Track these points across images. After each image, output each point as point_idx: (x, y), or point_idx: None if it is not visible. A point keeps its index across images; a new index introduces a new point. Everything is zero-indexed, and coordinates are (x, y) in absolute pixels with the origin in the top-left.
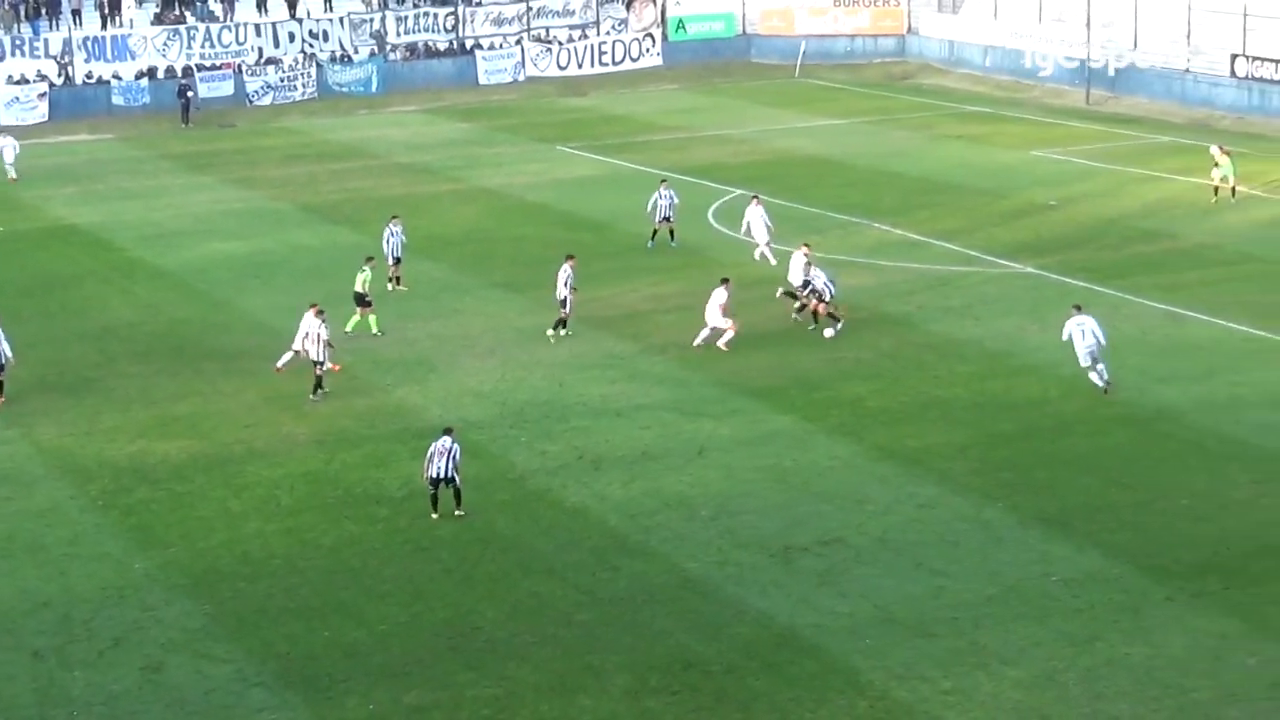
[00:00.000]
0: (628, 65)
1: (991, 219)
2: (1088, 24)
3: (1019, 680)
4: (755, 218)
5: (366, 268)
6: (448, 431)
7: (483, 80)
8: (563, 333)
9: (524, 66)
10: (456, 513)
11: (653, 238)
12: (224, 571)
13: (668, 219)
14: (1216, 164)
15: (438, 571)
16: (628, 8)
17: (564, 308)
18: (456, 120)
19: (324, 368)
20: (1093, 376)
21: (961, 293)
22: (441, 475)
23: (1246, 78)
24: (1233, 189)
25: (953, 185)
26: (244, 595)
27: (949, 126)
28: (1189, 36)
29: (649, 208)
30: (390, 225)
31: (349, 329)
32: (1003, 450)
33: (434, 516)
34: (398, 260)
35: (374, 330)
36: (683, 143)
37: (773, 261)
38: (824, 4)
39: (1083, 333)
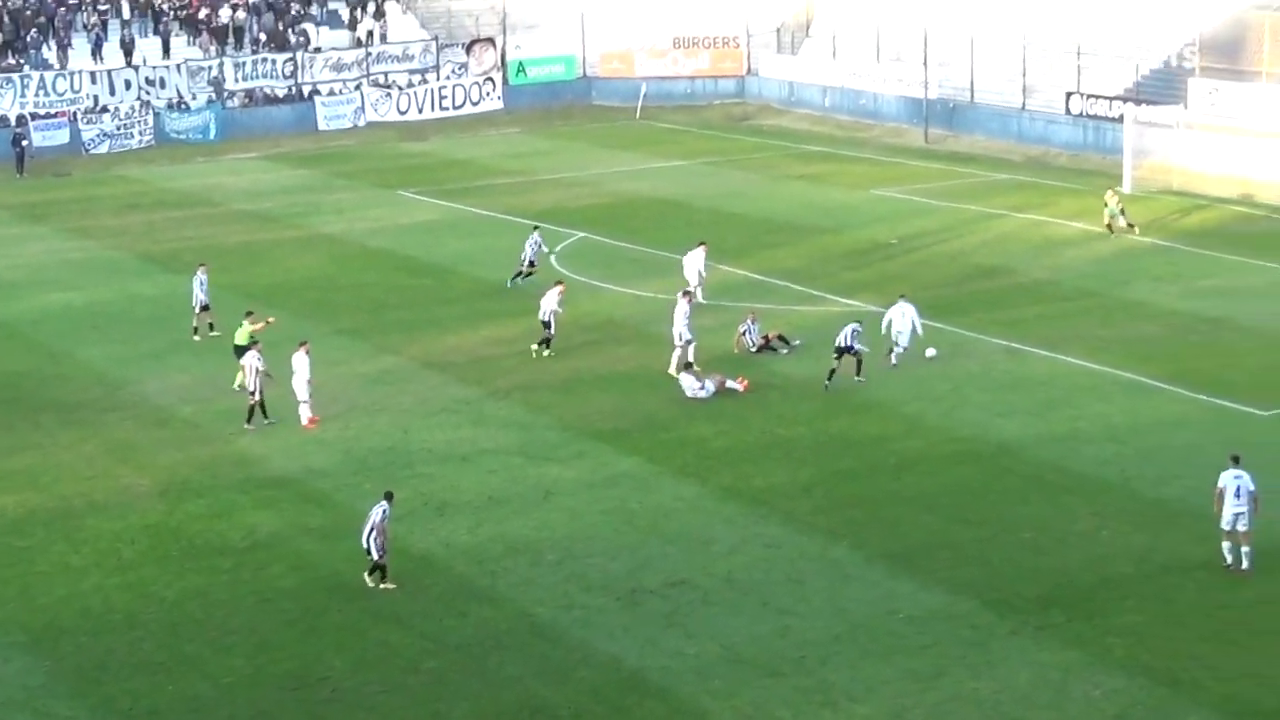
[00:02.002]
0: (468, 109)
1: (833, 258)
2: (925, 63)
3: (867, 717)
4: (692, 262)
5: (245, 322)
6: (387, 496)
7: (322, 126)
8: (546, 353)
9: (364, 112)
10: (369, 583)
11: (514, 278)
12: (64, 627)
13: (532, 264)
14: (1106, 204)
15: (282, 622)
16: (467, 52)
17: (548, 328)
18: (296, 167)
19: (255, 398)
20: (892, 357)
21: (804, 332)
22: (364, 545)
23: (1081, 115)
24: (1129, 225)
25: (794, 225)
26: (85, 650)
27: (790, 166)
28: (1024, 75)
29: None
30: (199, 273)
31: (236, 385)
32: (847, 488)
33: (378, 586)
34: (205, 307)
35: (235, 385)
36: (524, 186)
37: (702, 301)
38: (664, 46)
39: (901, 315)
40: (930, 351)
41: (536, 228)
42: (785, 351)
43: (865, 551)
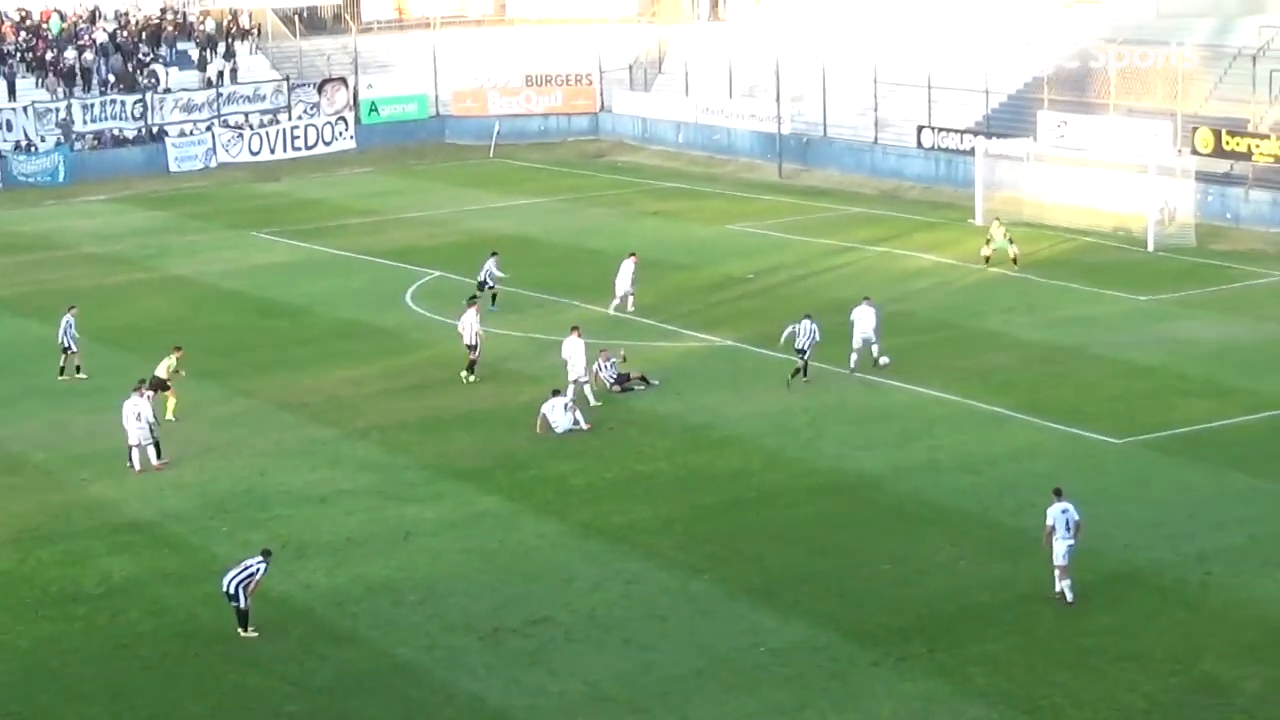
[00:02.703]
0: (321, 149)
1: (690, 294)
2: (778, 98)
3: None
4: (623, 271)
5: (173, 355)
6: (265, 554)
7: (173, 167)
8: (470, 379)
9: (215, 153)
10: (243, 635)
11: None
12: None
13: (492, 286)
14: (990, 238)
15: (139, 669)
16: (319, 91)
17: (473, 351)
18: (147, 208)
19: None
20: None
21: (662, 368)
22: (225, 589)
23: (933, 148)
24: (1014, 259)
25: (651, 261)
26: None
27: (645, 203)
28: (876, 109)
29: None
30: (67, 315)
31: (171, 416)
32: (707, 523)
33: (244, 633)
34: (66, 350)
35: (169, 415)
36: (379, 225)
37: (630, 309)
38: (516, 84)
39: (863, 317)
40: (884, 359)
41: (494, 254)
42: (643, 389)
43: (727, 586)
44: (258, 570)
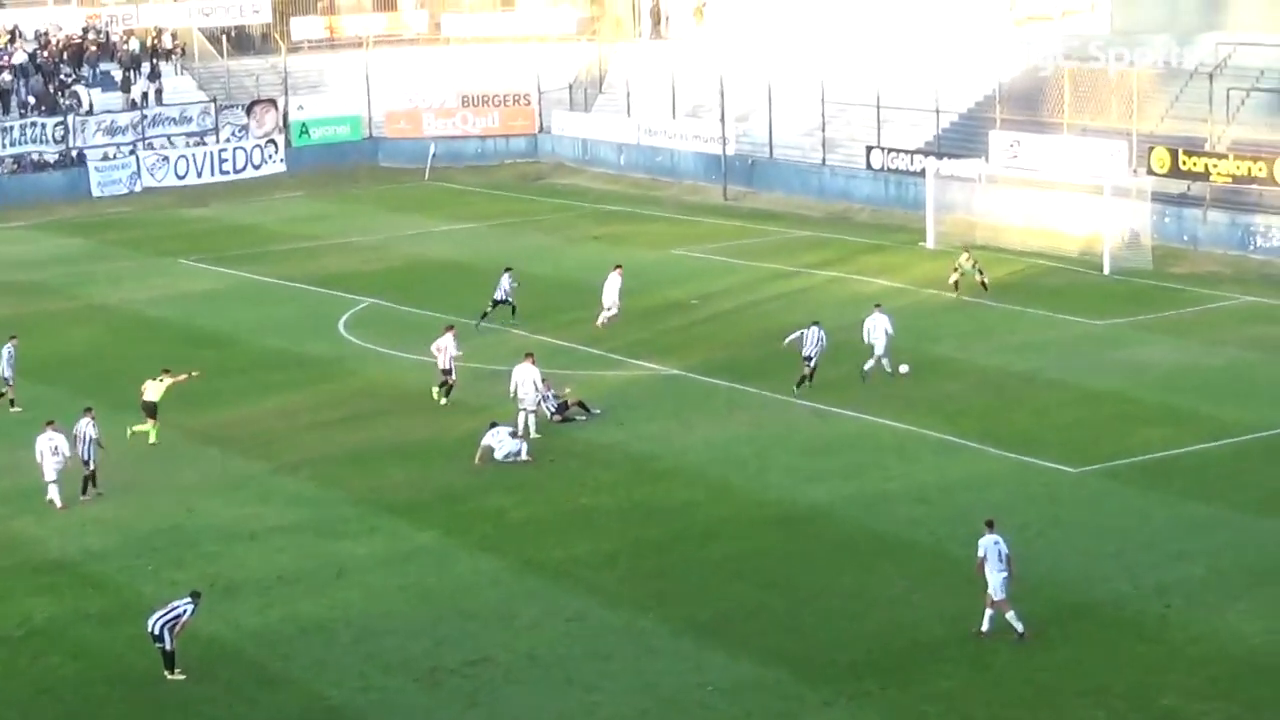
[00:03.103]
0: (250, 173)
1: (633, 320)
2: (722, 118)
3: None
4: (610, 284)
5: (164, 376)
6: (194, 595)
7: (96, 192)
8: (443, 402)
9: (140, 177)
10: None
11: (483, 318)
12: None
13: (498, 302)
14: (959, 266)
15: (62, 714)
16: (248, 113)
17: (448, 375)
18: (69, 235)
19: (90, 467)
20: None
21: (605, 397)
22: (151, 630)
23: (882, 169)
24: (984, 285)
25: (592, 287)
26: None
27: (586, 227)
28: (824, 129)
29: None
30: (8, 345)
31: (153, 440)
32: (652, 558)
33: (172, 677)
34: (6, 380)
35: (153, 441)
36: (311, 252)
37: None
38: (452, 105)
39: (875, 326)
40: (904, 368)
41: (508, 269)
42: (584, 419)
43: (672, 623)
44: (184, 611)
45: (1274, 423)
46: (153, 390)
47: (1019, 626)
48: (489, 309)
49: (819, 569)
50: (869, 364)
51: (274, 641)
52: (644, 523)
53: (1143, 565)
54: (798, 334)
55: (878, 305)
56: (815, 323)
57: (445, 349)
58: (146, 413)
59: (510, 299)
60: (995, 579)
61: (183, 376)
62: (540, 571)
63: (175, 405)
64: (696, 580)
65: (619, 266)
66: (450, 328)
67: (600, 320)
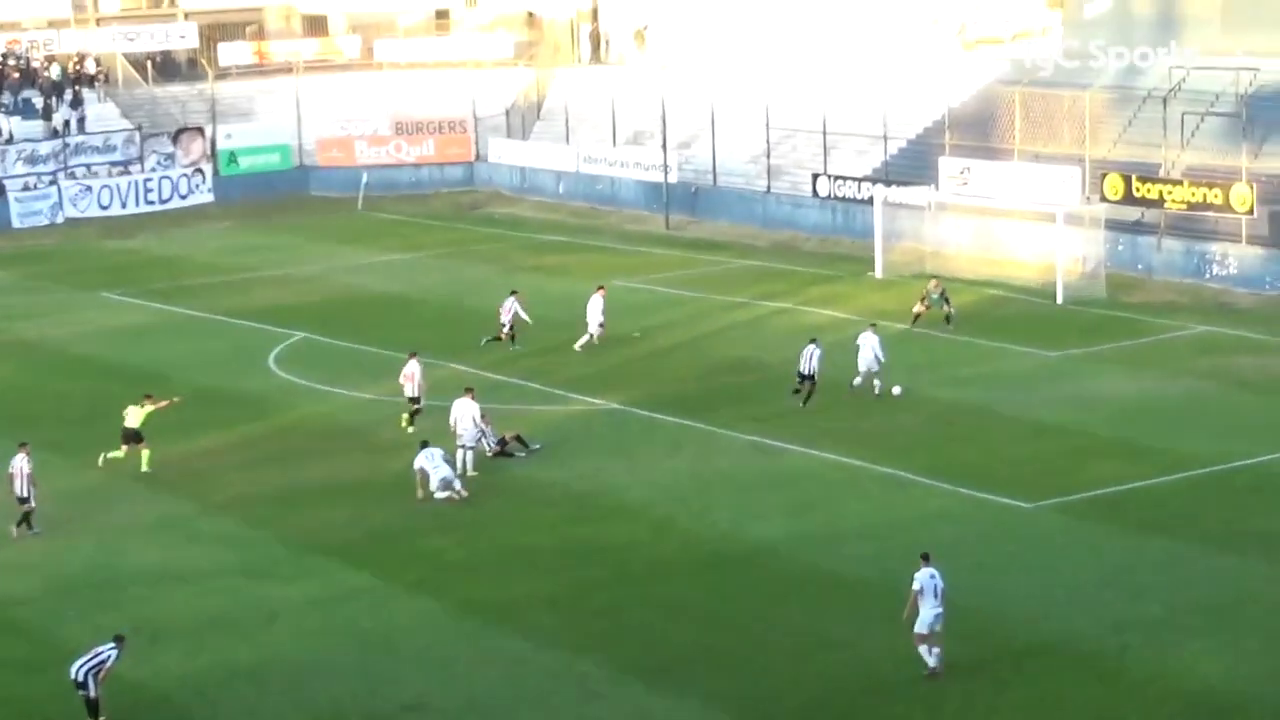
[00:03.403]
0: (176, 203)
1: (572, 353)
2: (664, 145)
3: None
4: (593, 306)
5: (146, 402)
6: (118, 639)
7: (16, 224)
8: (410, 430)
9: (62, 207)
10: None
11: (496, 339)
12: None
13: (512, 327)
14: (927, 293)
15: None
16: (174, 141)
17: (417, 402)
18: None
19: (30, 504)
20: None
21: (544, 433)
22: (74, 677)
23: (829, 197)
24: (947, 318)
25: (531, 319)
26: None
27: (524, 258)
28: (769, 156)
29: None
30: None
31: (146, 469)
32: (595, 599)
33: None
34: None
35: (145, 468)
36: (240, 284)
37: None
38: (385, 132)
39: (865, 345)
40: (896, 390)
41: (514, 292)
42: (523, 455)
43: (616, 666)
44: (109, 657)
45: (1231, 456)
46: (134, 416)
47: (932, 662)
48: (507, 334)
49: (767, 609)
50: (857, 380)
51: (202, 688)
52: (585, 562)
53: (1099, 602)
54: (814, 352)
55: (872, 325)
56: (813, 340)
57: (413, 376)
58: (126, 439)
59: (510, 326)
60: (928, 614)
61: (164, 403)
62: (479, 613)
63: (102, 444)
64: (640, 621)
65: (602, 287)
66: (414, 354)
67: (578, 344)
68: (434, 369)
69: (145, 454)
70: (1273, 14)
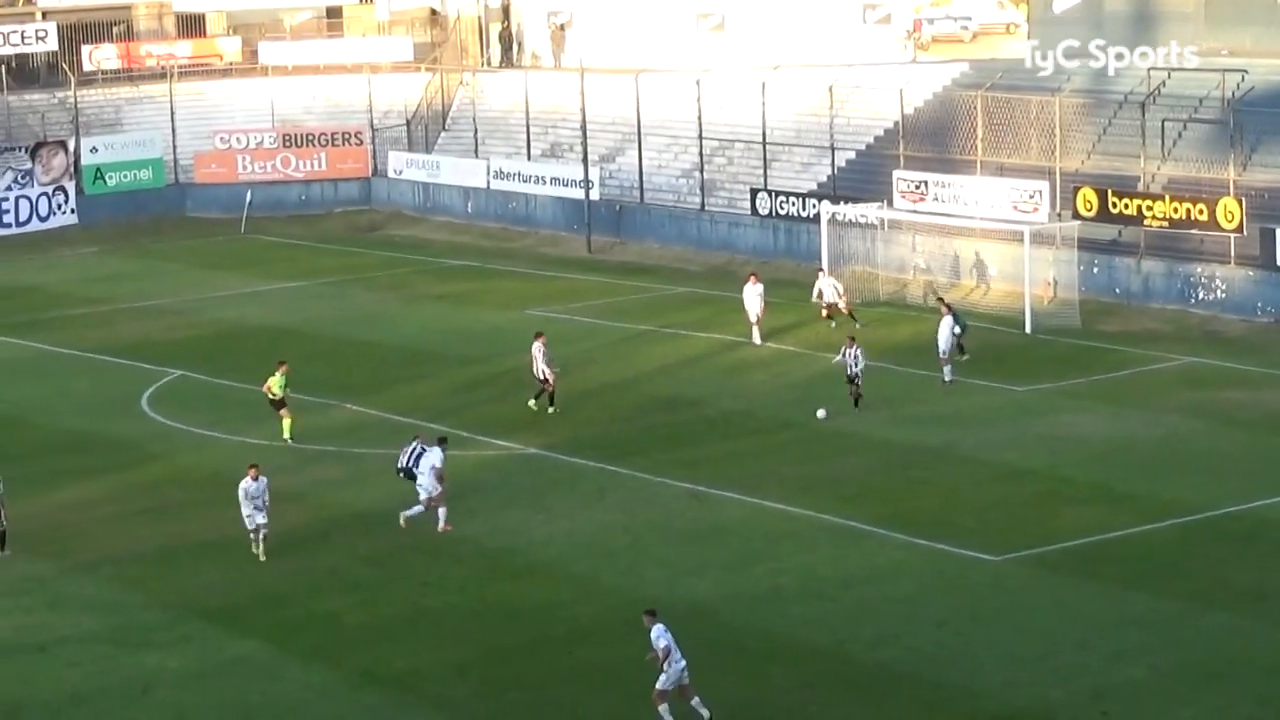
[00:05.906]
0: (35, 225)
1: (483, 392)
2: (585, 159)
3: None
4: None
5: (278, 372)
6: None
7: None
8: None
9: None
10: None
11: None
12: None
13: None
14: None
15: None
16: (32, 157)
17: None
18: None
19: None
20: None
21: (453, 481)
22: None
23: (770, 215)
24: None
25: (435, 354)
26: None
27: (428, 285)
28: (702, 170)
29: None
30: None
31: (287, 437)
32: (509, 666)
33: None
34: None
35: (286, 436)
36: (106, 316)
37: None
38: (272, 145)
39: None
40: (820, 413)
41: (540, 334)
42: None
43: None
44: None
45: (1220, 501)
46: (273, 383)
47: (705, 713)
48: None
49: (702, 676)
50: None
51: None
52: (500, 627)
53: (1074, 667)
54: (840, 355)
55: (851, 338)
56: (851, 337)
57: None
58: (275, 408)
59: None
60: (676, 668)
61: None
62: (380, 684)
63: None
64: (559, 692)
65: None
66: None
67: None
68: (323, 410)
69: (287, 423)
70: (1261, 10)
